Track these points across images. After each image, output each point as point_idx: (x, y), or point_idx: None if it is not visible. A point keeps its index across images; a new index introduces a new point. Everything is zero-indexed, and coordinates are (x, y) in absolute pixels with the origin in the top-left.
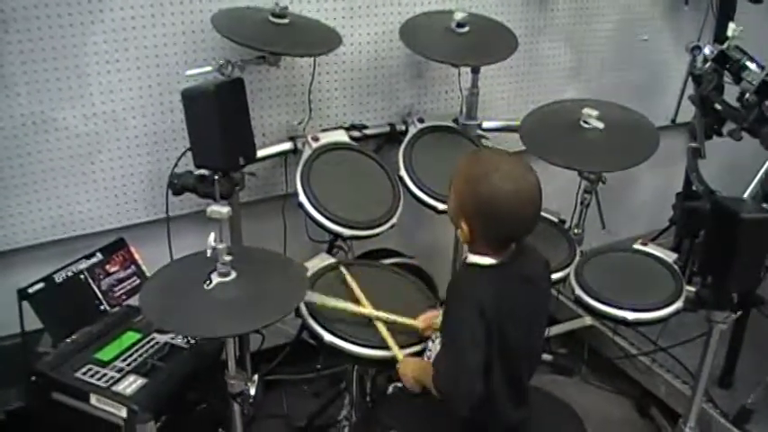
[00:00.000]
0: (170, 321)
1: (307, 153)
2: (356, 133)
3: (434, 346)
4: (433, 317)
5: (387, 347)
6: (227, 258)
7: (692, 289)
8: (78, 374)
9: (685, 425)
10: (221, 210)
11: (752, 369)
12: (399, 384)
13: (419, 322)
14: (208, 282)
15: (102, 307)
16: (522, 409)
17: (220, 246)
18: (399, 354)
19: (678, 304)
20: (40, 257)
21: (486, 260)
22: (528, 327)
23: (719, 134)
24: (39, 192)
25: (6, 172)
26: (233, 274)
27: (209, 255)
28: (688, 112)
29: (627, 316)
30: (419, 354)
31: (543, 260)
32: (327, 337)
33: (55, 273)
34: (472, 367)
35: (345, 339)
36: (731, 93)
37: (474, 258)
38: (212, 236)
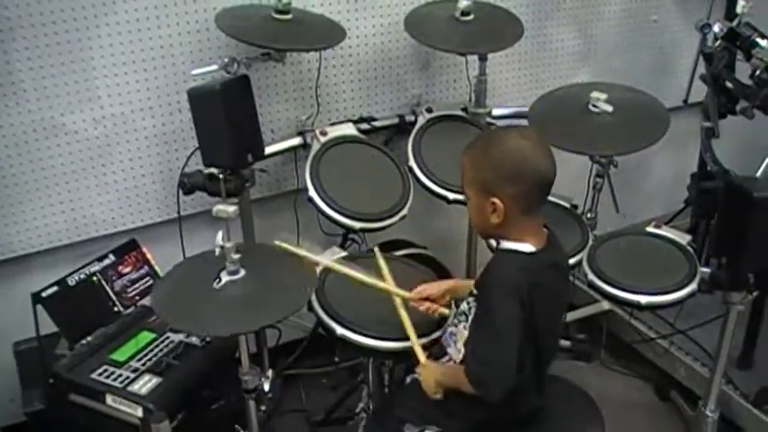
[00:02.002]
0: (181, 321)
1: (315, 148)
2: (365, 126)
3: (458, 331)
4: (423, 290)
5: (399, 339)
6: (236, 257)
7: (708, 270)
8: (94, 375)
9: (705, 407)
10: (227, 209)
11: None
12: (417, 375)
13: (412, 294)
14: (217, 280)
15: (115, 308)
16: (540, 396)
17: (228, 244)
18: (422, 356)
19: (692, 287)
20: (55, 261)
21: (525, 247)
22: (553, 314)
23: (733, 113)
24: (51, 196)
25: (19, 177)
26: (242, 272)
27: (217, 254)
28: (701, 92)
29: (640, 300)
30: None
31: (564, 248)
32: (339, 330)
33: (68, 276)
34: (510, 356)
35: (357, 332)
36: (744, 71)
37: (510, 245)
38: (220, 235)
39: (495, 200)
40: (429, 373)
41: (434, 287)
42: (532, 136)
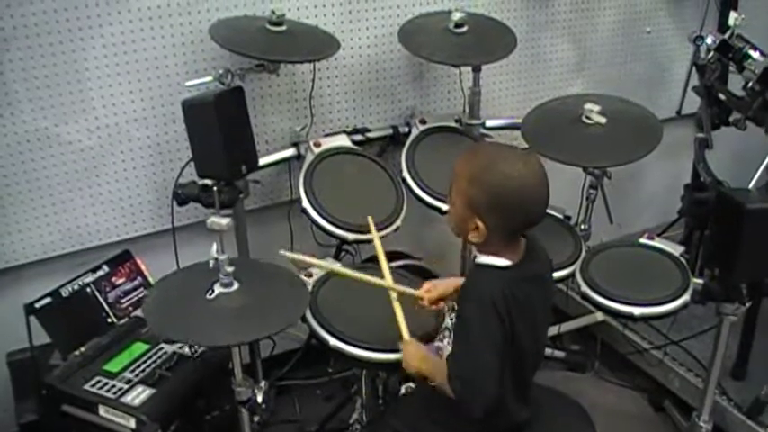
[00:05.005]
0: (173, 330)
1: (309, 159)
2: (359, 137)
3: (444, 346)
4: (434, 287)
5: (393, 350)
6: (230, 269)
7: (701, 281)
8: (87, 386)
9: (699, 418)
10: (221, 221)
11: (766, 360)
12: (412, 385)
13: (421, 291)
14: (210, 292)
15: (109, 319)
16: (526, 407)
17: (222, 257)
18: (406, 332)
19: (685, 298)
20: (48, 271)
21: (500, 261)
22: (534, 325)
23: (726, 124)
24: (45, 207)
25: (13, 188)
26: (236, 285)
27: (211, 266)
28: (694, 103)
29: (633, 311)
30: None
31: (549, 259)
32: (332, 341)
33: (61, 287)
34: (489, 369)
35: (350, 343)
36: (736, 82)
37: (486, 259)
38: (214, 247)
39: (479, 223)
40: (412, 352)
41: (443, 285)
42: (536, 168)
